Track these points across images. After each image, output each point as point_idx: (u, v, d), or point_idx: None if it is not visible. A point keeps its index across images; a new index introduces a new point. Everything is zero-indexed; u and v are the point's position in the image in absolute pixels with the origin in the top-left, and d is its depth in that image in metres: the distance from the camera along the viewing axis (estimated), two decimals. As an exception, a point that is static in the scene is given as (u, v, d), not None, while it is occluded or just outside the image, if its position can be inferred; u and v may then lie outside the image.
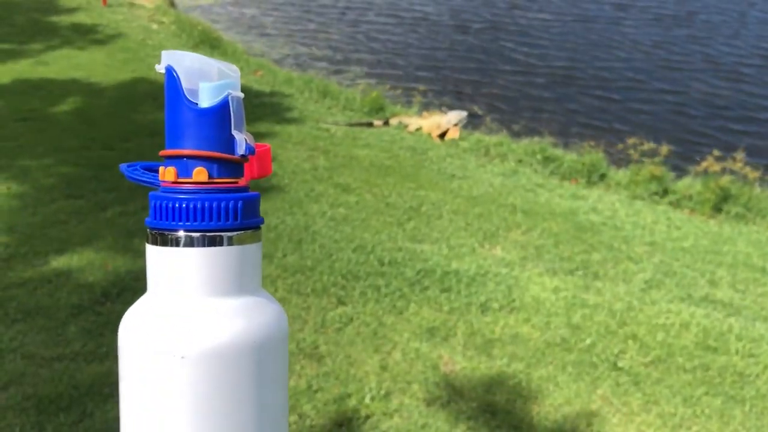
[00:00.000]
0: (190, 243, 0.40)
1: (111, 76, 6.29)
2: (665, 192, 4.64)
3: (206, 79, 0.40)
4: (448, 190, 4.55)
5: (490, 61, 8.11)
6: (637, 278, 3.59)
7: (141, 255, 3.61)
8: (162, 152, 0.41)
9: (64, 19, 8.05)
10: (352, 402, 2.53)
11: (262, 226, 0.43)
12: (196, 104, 0.40)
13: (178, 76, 0.40)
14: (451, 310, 3.15)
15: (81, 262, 3.36)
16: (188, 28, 7.56)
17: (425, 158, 5.10)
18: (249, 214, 0.41)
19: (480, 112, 6.72)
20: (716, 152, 4.71)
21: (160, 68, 0.40)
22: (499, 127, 6.50)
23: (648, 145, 4.80)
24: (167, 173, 0.41)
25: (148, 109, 5.61)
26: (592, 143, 5.12)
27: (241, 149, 0.41)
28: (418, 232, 3.93)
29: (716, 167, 4.60)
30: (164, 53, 0.41)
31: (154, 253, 0.43)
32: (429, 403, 2.54)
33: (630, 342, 2.99)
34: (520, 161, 5.11)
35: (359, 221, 4.01)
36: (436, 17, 9.76)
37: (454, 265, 3.56)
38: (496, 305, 3.20)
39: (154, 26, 7.87)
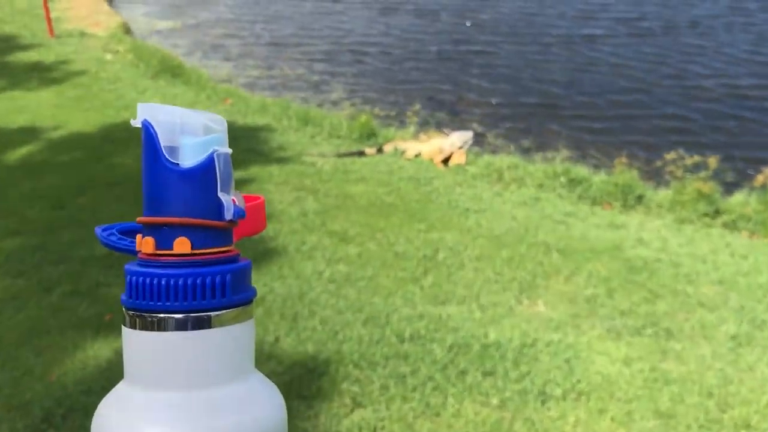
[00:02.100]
0: (172, 326, 0.35)
1: (60, 118, 5.51)
2: (717, 212, 3.97)
3: (188, 135, 0.36)
4: (465, 229, 3.83)
5: (482, 78, 7.41)
6: (720, 333, 2.88)
7: (96, 357, 2.84)
8: (139, 219, 0.36)
9: (5, 54, 7.24)
10: None
11: (254, 298, 0.37)
12: (177, 164, 0.35)
13: (155, 132, 0.35)
14: (502, 404, 2.42)
15: (16, 370, 2.60)
16: (146, 57, 6.79)
17: (431, 190, 4.38)
18: (239, 288, 0.36)
19: (480, 129, 6.02)
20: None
21: (136, 123, 0.36)
22: (504, 143, 5.81)
23: (691, 160, 4.12)
24: (144, 244, 0.36)
25: (104, 154, 4.84)
26: (624, 160, 4.44)
27: (228, 214, 0.36)
28: (439, 289, 3.21)
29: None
30: (140, 106, 0.36)
31: (131, 337, 0.36)
32: None
33: (743, 434, 2.28)
34: (540, 186, 4.41)
35: (365, 281, 3.28)
36: (417, 37, 9.08)
37: (493, 334, 2.83)
38: (557, 391, 2.48)
39: (109, 56, 7.09)
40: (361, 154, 4.95)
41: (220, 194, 0.35)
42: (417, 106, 5.59)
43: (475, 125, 6.24)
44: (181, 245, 0.35)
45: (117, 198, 4.19)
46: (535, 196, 4.32)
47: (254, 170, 4.60)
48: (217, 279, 0.35)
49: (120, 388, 0.36)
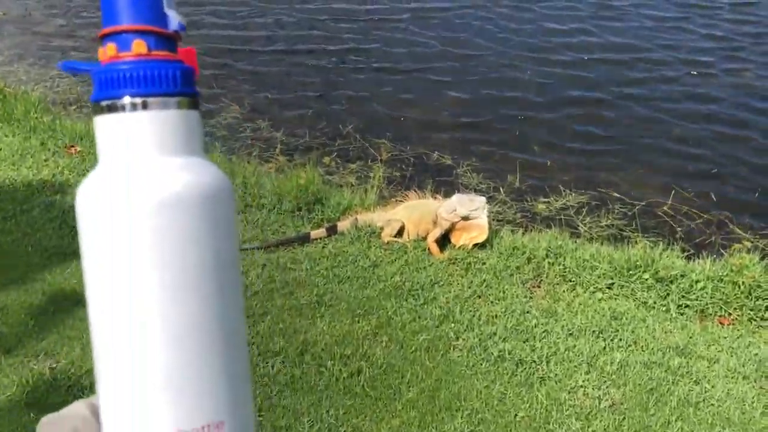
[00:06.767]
0: (136, 107, 0.40)
1: None
2: None
3: None
4: (539, 426, 2.11)
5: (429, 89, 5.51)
6: None
7: None
8: (100, 33, 0.41)
9: None
10: None
11: (199, 96, 0.42)
12: None
13: None
14: None
15: None
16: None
17: (442, 315, 2.61)
18: (187, 82, 0.42)
19: (446, 160, 4.24)
20: None
21: None
22: (484, 181, 4.04)
23: None
24: (108, 50, 0.41)
25: None
26: (746, 244, 2.82)
27: (174, 25, 0.42)
28: None
29: None
30: None
31: (102, 123, 0.41)
32: None
33: None
34: (609, 287, 2.75)
35: None
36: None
37: None
38: None
39: None
40: (305, 239, 3.09)
41: (166, 9, 0.41)
42: (389, 146, 3.69)
43: (436, 155, 4.44)
44: (139, 46, 0.40)
45: None
46: (610, 311, 2.64)
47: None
48: (170, 72, 0.40)
49: (96, 169, 0.41)
